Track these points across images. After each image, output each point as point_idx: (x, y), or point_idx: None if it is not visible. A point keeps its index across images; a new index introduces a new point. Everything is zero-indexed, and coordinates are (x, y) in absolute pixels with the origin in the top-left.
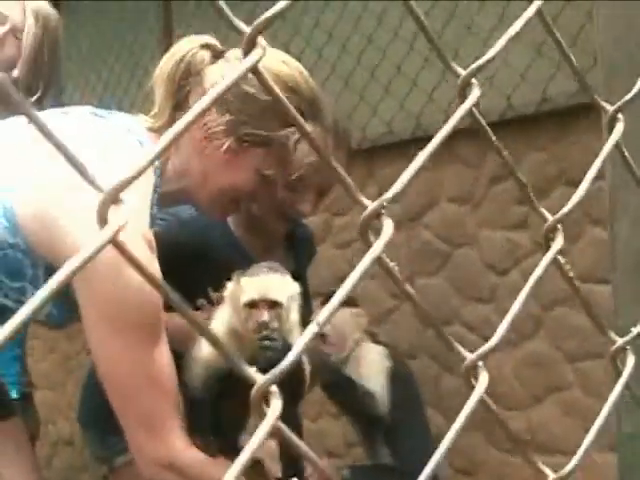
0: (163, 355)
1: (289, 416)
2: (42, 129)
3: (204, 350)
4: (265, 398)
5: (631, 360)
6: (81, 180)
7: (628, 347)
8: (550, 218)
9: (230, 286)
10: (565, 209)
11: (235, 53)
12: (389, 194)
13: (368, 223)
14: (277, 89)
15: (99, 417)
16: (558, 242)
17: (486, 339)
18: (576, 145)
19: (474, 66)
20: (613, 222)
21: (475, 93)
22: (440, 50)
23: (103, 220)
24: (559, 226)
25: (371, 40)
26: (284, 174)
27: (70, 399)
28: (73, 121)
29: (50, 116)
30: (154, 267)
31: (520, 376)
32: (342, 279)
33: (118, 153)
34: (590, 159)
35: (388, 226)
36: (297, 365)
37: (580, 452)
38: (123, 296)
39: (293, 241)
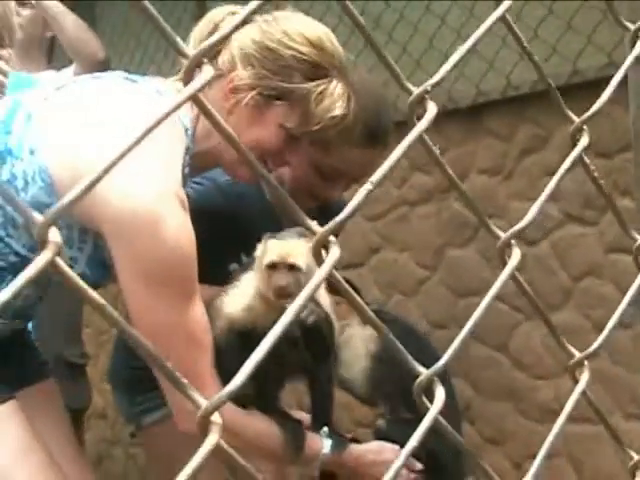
0: (198, 310)
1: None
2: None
3: (228, 305)
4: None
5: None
6: (117, 143)
7: (585, 363)
8: (502, 235)
9: (259, 248)
10: (519, 225)
11: (264, 17)
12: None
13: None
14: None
15: (128, 377)
16: (514, 258)
17: (515, 309)
18: (606, 118)
19: (427, 84)
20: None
21: (432, 110)
22: (393, 68)
23: (43, 243)
24: (513, 242)
25: (403, 16)
26: (307, 128)
27: (103, 373)
28: (105, 84)
29: (83, 80)
30: (187, 225)
31: (549, 346)
32: (374, 250)
33: (147, 113)
34: (619, 131)
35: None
36: (326, 319)
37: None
38: (160, 251)
39: (327, 211)
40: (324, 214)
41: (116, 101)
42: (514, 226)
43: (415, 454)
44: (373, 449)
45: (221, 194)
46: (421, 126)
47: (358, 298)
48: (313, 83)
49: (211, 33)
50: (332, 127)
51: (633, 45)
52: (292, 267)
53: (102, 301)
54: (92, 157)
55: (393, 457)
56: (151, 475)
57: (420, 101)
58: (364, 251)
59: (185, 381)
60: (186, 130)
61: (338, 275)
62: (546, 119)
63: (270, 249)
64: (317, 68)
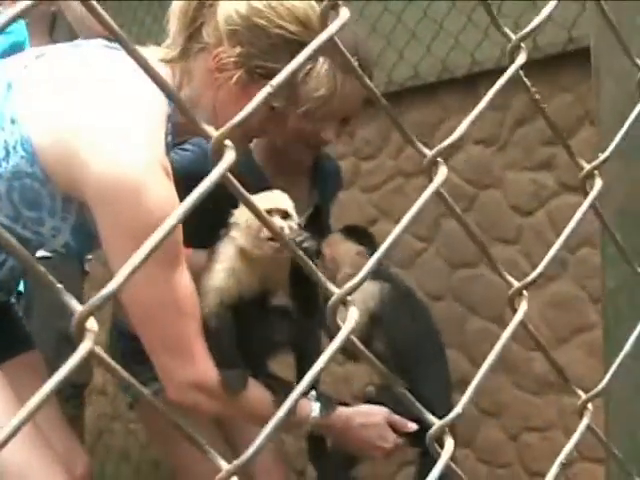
0: (185, 279)
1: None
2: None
3: (217, 280)
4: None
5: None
6: (100, 112)
7: (589, 405)
8: (516, 284)
9: (238, 210)
10: (530, 277)
11: None
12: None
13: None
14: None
15: (126, 347)
16: (522, 308)
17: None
18: None
19: (441, 147)
20: None
21: (442, 172)
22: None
23: (81, 331)
24: (524, 292)
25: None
26: (293, 107)
27: (102, 348)
28: (86, 52)
29: (63, 48)
30: (171, 193)
31: (546, 317)
32: (370, 222)
33: (129, 81)
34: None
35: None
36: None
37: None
38: (144, 217)
39: (318, 175)
40: (316, 176)
41: (97, 69)
42: (511, 198)
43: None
44: (362, 412)
45: (207, 159)
46: (435, 184)
47: None
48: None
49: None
50: (319, 105)
51: None
52: (286, 214)
53: None
54: (75, 124)
55: (382, 420)
56: (151, 446)
57: (434, 164)
58: (360, 223)
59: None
60: (168, 99)
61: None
62: (540, 88)
63: (261, 200)
64: (303, 45)
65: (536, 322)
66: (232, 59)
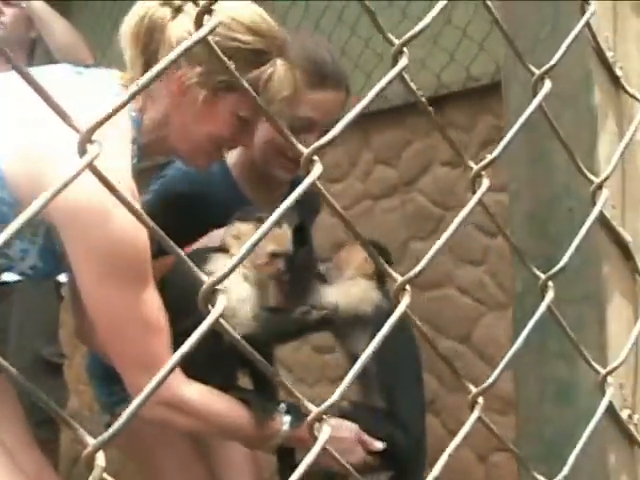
0: (152, 296)
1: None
2: (26, 78)
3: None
4: None
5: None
6: (67, 137)
7: (480, 399)
8: (399, 279)
9: (235, 227)
10: (414, 271)
11: (193, 6)
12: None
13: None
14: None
15: (106, 366)
16: (405, 301)
17: (478, 301)
18: None
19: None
20: None
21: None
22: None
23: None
24: (407, 287)
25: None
26: (260, 115)
27: (78, 374)
28: (54, 75)
29: (31, 71)
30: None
31: (511, 337)
32: (339, 246)
33: (99, 103)
34: None
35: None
36: None
37: None
38: (111, 239)
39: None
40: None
41: (62, 94)
42: (477, 220)
43: (375, 437)
44: (332, 425)
45: (186, 178)
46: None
47: None
48: (258, 70)
49: (140, 23)
50: (284, 106)
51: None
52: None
53: None
54: (42, 149)
55: (350, 435)
56: (126, 465)
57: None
58: (329, 246)
59: None
60: (133, 122)
61: None
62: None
63: (270, 239)
64: (260, 54)
65: (503, 342)
66: (194, 80)
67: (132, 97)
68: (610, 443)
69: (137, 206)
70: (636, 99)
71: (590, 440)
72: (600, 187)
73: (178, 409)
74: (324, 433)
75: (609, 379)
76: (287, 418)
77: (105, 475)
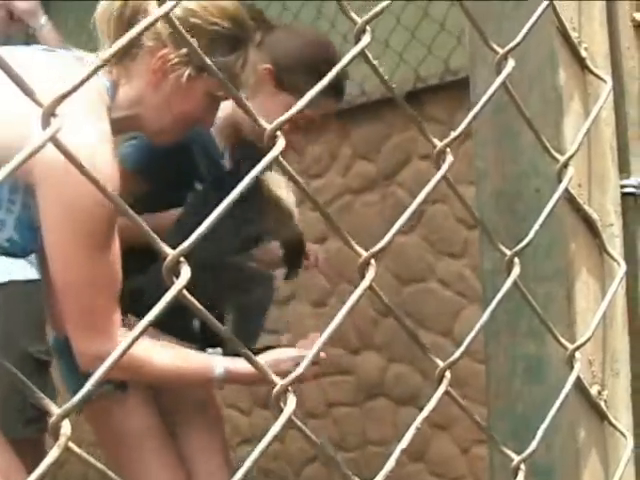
0: (110, 259)
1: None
2: None
3: None
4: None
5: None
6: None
7: (447, 374)
8: (364, 254)
9: None
10: (379, 245)
11: None
12: None
13: None
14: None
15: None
16: (370, 275)
17: (459, 294)
18: None
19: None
20: None
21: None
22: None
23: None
24: (372, 261)
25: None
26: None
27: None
28: (23, 52)
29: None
30: (115, 174)
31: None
32: (320, 240)
33: (69, 77)
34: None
35: None
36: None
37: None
38: (76, 200)
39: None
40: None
41: (38, 67)
42: (458, 212)
43: None
44: (270, 353)
45: (151, 150)
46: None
47: None
48: (234, 55)
49: (124, 5)
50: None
51: None
52: None
53: None
54: (25, 111)
55: (295, 353)
56: (100, 449)
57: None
58: (310, 241)
59: None
60: (107, 89)
61: None
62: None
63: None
64: (237, 40)
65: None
66: (179, 59)
67: (95, 71)
68: (580, 418)
69: (103, 182)
70: (601, 79)
71: (560, 415)
72: (566, 166)
73: (117, 365)
74: (289, 405)
75: (577, 355)
76: (219, 360)
77: (71, 444)
